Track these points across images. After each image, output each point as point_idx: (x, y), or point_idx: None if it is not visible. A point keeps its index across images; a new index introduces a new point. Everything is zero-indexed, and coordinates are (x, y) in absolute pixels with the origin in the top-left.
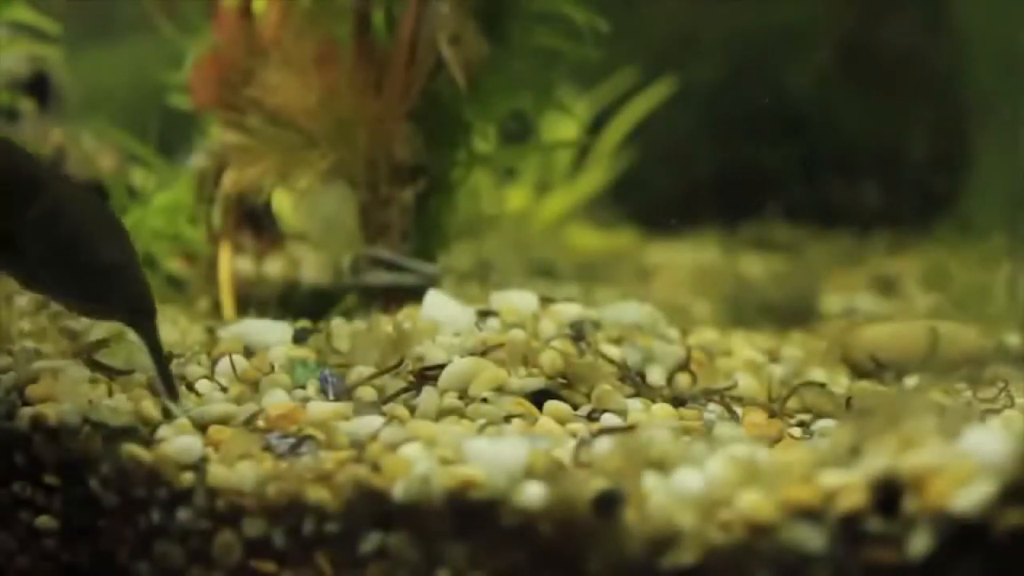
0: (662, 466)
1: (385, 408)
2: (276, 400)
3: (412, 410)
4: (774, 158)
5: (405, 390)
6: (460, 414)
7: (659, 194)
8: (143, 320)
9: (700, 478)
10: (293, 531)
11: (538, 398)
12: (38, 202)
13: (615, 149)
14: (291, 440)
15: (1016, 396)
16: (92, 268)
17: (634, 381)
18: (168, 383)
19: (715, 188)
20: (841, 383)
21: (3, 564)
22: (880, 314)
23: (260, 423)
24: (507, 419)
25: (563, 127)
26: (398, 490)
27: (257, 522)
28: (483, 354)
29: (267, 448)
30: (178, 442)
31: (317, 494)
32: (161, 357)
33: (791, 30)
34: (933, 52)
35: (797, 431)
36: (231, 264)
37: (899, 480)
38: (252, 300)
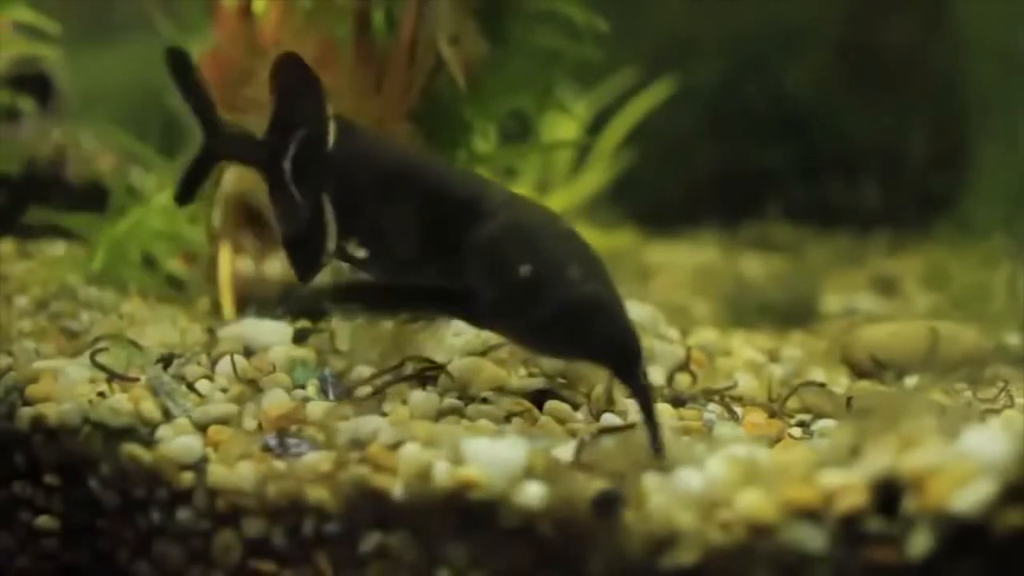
0: (662, 466)
1: (378, 394)
2: (276, 400)
3: (412, 410)
4: (774, 158)
5: (396, 380)
6: (460, 414)
7: (659, 194)
8: (631, 366)
9: (700, 478)
10: (293, 531)
11: (538, 398)
12: (481, 226)
13: (615, 149)
14: (291, 440)
15: (1016, 396)
16: (568, 306)
17: None
18: (656, 439)
19: (715, 188)
20: (841, 383)
21: (3, 564)
22: (880, 314)
23: (252, 420)
24: (507, 419)
25: (563, 127)
26: (398, 490)
27: (257, 522)
28: (483, 354)
29: (267, 448)
30: (178, 442)
31: (317, 494)
32: (652, 411)
33: (791, 30)
34: (933, 52)
35: (797, 431)
36: (231, 264)
37: (899, 480)
38: (252, 300)
